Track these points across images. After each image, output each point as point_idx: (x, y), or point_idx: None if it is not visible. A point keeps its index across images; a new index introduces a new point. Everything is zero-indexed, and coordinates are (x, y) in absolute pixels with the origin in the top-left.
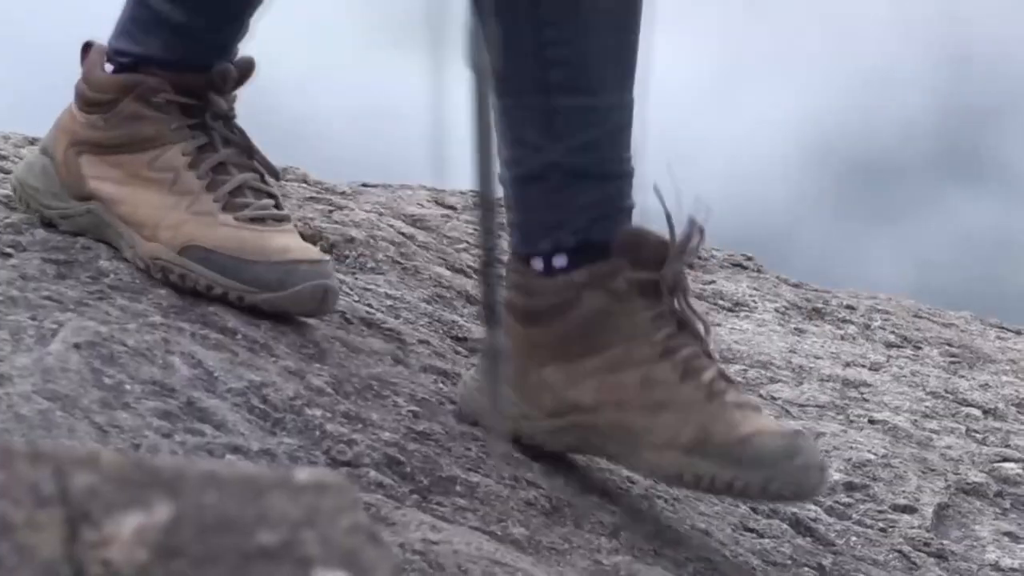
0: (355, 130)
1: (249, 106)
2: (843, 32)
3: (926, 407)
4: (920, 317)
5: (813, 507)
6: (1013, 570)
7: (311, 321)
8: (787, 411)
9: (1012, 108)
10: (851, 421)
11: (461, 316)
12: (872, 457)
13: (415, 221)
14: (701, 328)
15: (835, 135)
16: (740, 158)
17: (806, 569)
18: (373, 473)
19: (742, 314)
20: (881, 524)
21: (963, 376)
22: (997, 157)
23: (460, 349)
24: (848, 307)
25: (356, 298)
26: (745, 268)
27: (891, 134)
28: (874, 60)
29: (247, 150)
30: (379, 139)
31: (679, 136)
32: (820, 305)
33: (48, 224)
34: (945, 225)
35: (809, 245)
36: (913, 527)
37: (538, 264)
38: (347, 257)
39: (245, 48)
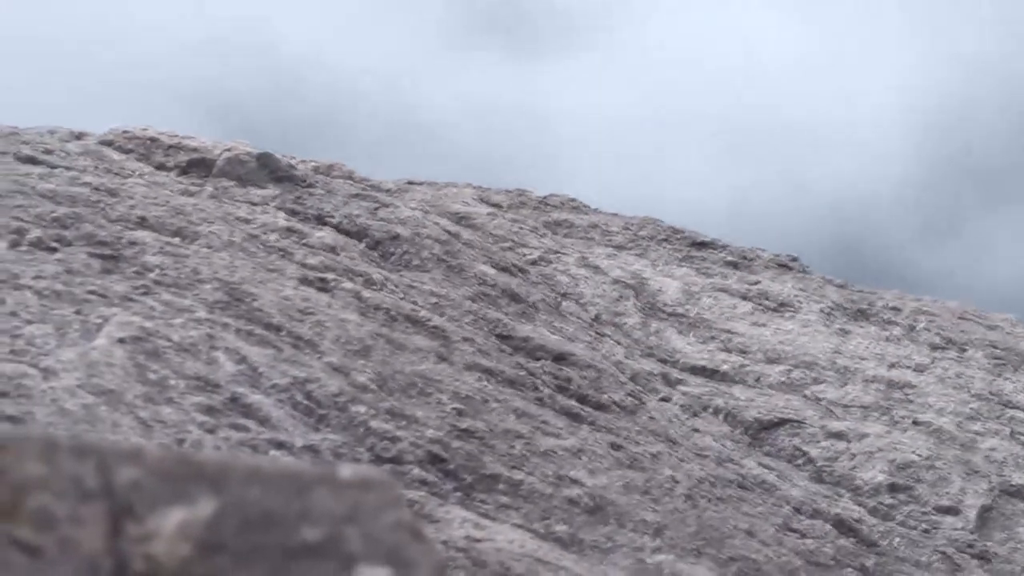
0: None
1: (335, 107)
2: (942, 21)
3: (971, 409)
4: (965, 319)
5: (857, 508)
6: None
7: (355, 317)
8: (831, 411)
9: None
10: (895, 422)
11: (506, 314)
12: (916, 458)
13: (460, 219)
14: None
15: (940, 121)
16: (844, 140)
17: (849, 569)
18: (416, 470)
19: (787, 314)
20: (924, 525)
21: (1008, 378)
22: None
23: (504, 347)
24: (893, 308)
25: (401, 295)
26: (791, 268)
27: (994, 123)
28: (975, 47)
29: None
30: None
31: (783, 115)
32: (865, 306)
33: None
34: None
35: (913, 237)
36: (956, 528)
37: None
38: (392, 254)
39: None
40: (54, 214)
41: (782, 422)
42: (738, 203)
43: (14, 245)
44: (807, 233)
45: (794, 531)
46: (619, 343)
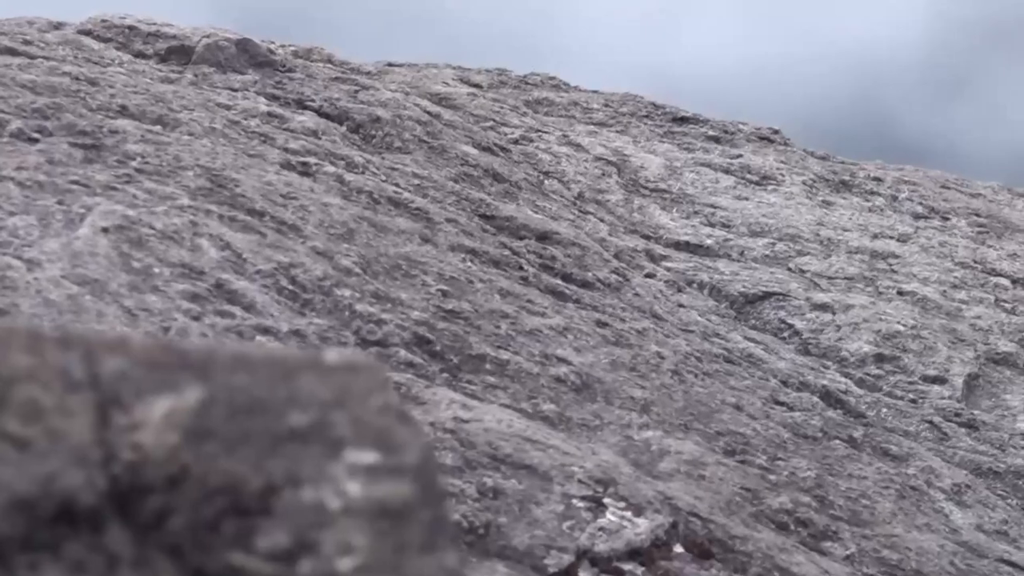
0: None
1: None
2: None
3: (955, 277)
4: (947, 188)
5: (843, 379)
6: None
7: (338, 201)
8: (816, 283)
9: None
10: (880, 293)
11: (488, 194)
12: (902, 328)
13: (441, 100)
14: None
15: None
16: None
17: (837, 441)
18: (403, 352)
19: (769, 187)
20: (911, 395)
21: (991, 246)
22: None
23: (488, 227)
24: (875, 179)
25: (383, 178)
26: (772, 141)
27: None
28: None
29: None
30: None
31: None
32: (847, 177)
33: None
34: None
35: None
36: (943, 397)
37: None
38: (373, 137)
39: None
40: (34, 105)
41: (767, 295)
42: (753, 73)
43: None
44: (816, 101)
45: (781, 404)
46: (602, 220)
